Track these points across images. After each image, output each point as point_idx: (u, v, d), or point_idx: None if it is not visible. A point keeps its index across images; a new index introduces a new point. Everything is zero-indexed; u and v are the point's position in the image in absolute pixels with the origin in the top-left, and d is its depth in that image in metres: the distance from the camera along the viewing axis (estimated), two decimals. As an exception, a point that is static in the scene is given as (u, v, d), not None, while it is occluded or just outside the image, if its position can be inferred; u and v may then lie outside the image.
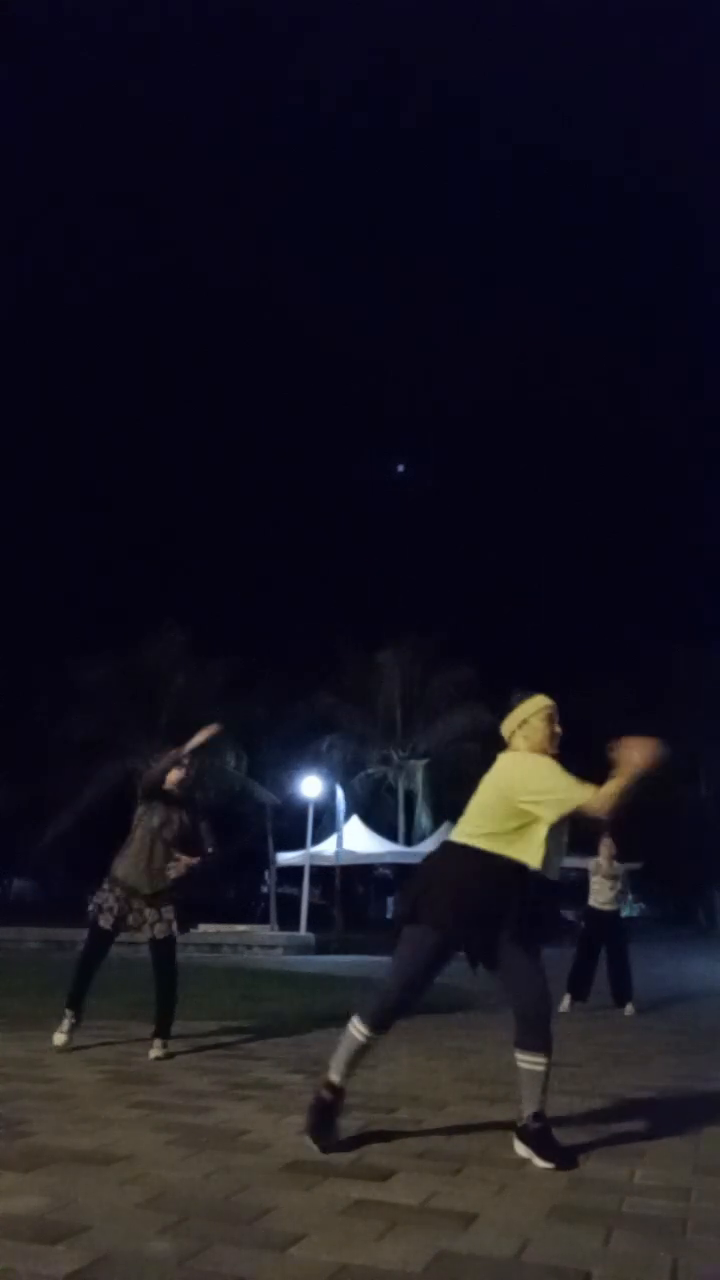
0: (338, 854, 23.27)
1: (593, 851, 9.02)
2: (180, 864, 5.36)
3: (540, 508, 53.50)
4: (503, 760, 3.44)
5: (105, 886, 5.35)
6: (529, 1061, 3.24)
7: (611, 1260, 2.33)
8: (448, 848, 3.41)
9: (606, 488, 55.73)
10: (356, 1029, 3.30)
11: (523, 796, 3.26)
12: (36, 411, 51.32)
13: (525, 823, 3.25)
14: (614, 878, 8.76)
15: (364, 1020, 3.31)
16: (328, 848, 23.81)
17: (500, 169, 68.24)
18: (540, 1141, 3.18)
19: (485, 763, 3.54)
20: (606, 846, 8.88)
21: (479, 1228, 2.54)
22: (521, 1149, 3.22)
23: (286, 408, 61.72)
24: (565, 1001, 8.20)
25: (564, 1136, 3.47)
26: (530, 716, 3.47)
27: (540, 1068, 3.23)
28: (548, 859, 3.26)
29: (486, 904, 3.23)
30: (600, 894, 8.73)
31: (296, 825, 24.05)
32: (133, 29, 65.75)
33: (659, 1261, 2.33)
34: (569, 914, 21.92)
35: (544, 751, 3.41)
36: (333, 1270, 2.23)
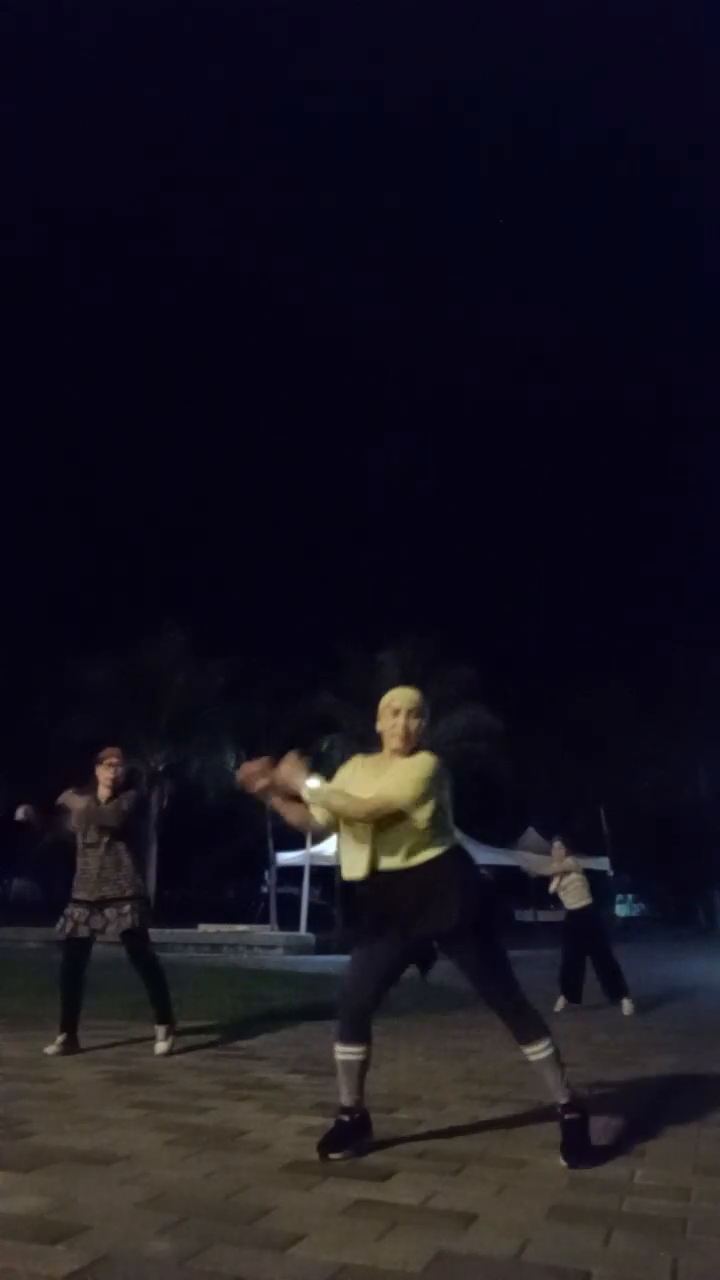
0: (338, 854, 23.26)
1: (587, 853, 9.02)
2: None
3: (540, 508, 53.54)
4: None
5: (67, 909, 5.41)
6: (534, 1051, 3.23)
7: (611, 1260, 2.33)
8: (462, 850, 3.46)
9: (606, 488, 55.80)
10: (338, 1051, 3.31)
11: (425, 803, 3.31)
12: (36, 411, 51.33)
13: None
14: (566, 871, 8.75)
15: (339, 1039, 3.31)
16: (328, 847, 23.77)
17: (501, 169, 68.24)
18: (568, 1136, 3.17)
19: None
20: (559, 850, 8.94)
21: (479, 1228, 2.54)
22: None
23: (287, 408, 61.76)
24: (560, 1002, 8.23)
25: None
26: (380, 712, 3.42)
27: (547, 1052, 3.21)
28: (341, 858, 3.34)
29: (369, 908, 3.30)
30: (570, 895, 8.74)
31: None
32: (133, 29, 65.73)
33: (659, 1261, 2.33)
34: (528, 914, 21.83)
35: (387, 748, 3.39)
36: (333, 1270, 2.23)
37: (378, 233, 71.10)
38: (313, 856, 22.61)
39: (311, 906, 22.07)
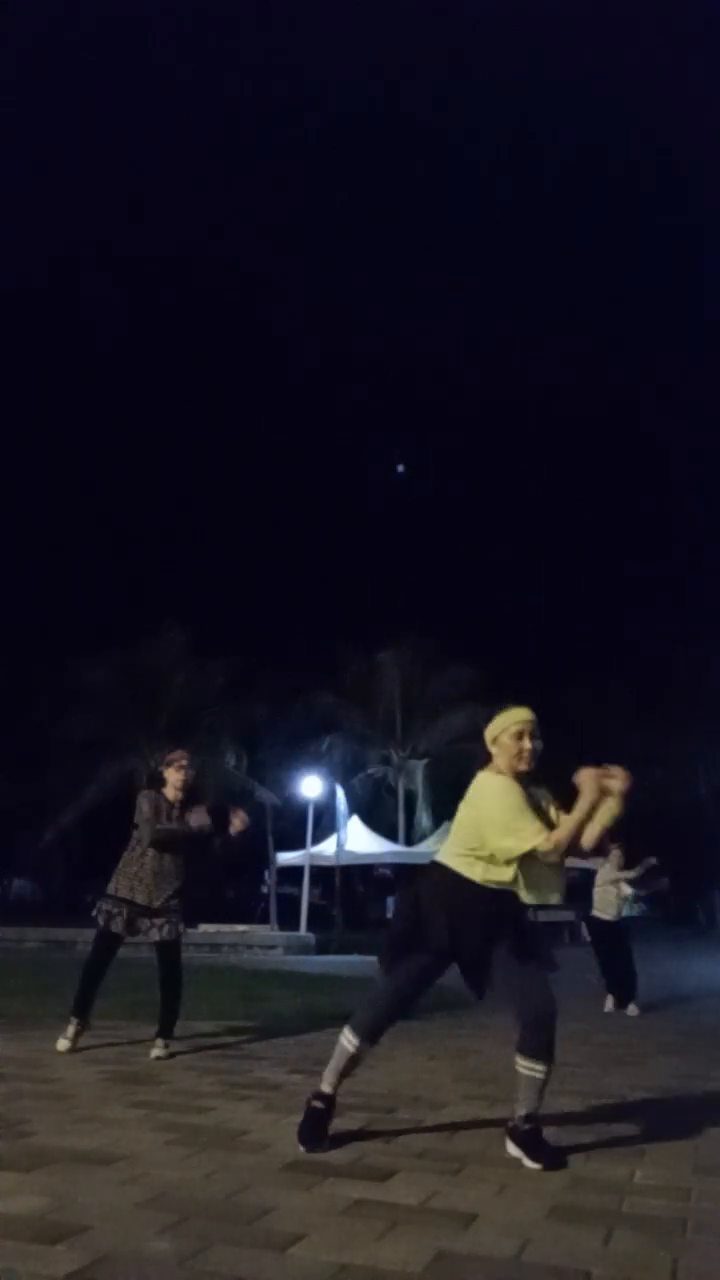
0: (338, 854, 23.26)
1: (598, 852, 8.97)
2: (236, 823, 5.40)
3: (540, 508, 53.56)
4: (476, 782, 3.36)
5: (109, 904, 5.31)
6: (529, 1068, 3.24)
7: (611, 1260, 2.33)
8: (435, 867, 3.40)
9: (606, 488, 55.78)
10: (348, 1040, 3.36)
11: (483, 829, 3.22)
12: (37, 411, 51.35)
13: (492, 851, 3.22)
14: (619, 885, 8.70)
15: (355, 1031, 3.36)
16: (328, 848, 23.80)
17: (502, 169, 68.26)
18: (530, 1142, 3.18)
19: (486, 763, 3.50)
20: (615, 857, 8.86)
21: (479, 1228, 2.54)
22: (513, 1149, 3.23)
23: (287, 408, 61.74)
24: (609, 1003, 8.28)
25: (564, 1136, 3.48)
26: (500, 734, 3.35)
27: (540, 1075, 3.23)
28: (526, 883, 3.20)
29: (475, 925, 3.23)
30: (604, 903, 8.71)
31: (296, 825, 24.03)
32: (131, 31, 65.77)
33: (659, 1261, 2.33)
34: (569, 913, 21.96)
35: (513, 770, 3.30)
36: (333, 1270, 2.23)
37: (378, 232, 71.18)
38: (313, 857, 22.61)
39: (311, 906, 22.05)
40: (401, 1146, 3.35)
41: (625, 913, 8.81)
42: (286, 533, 52.39)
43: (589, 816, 3.16)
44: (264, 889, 34.34)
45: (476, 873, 3.24)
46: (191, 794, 5.47)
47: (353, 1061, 3.38)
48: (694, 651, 33.89)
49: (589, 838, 3.20)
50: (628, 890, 8.70)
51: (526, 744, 3.30)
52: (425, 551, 52.63)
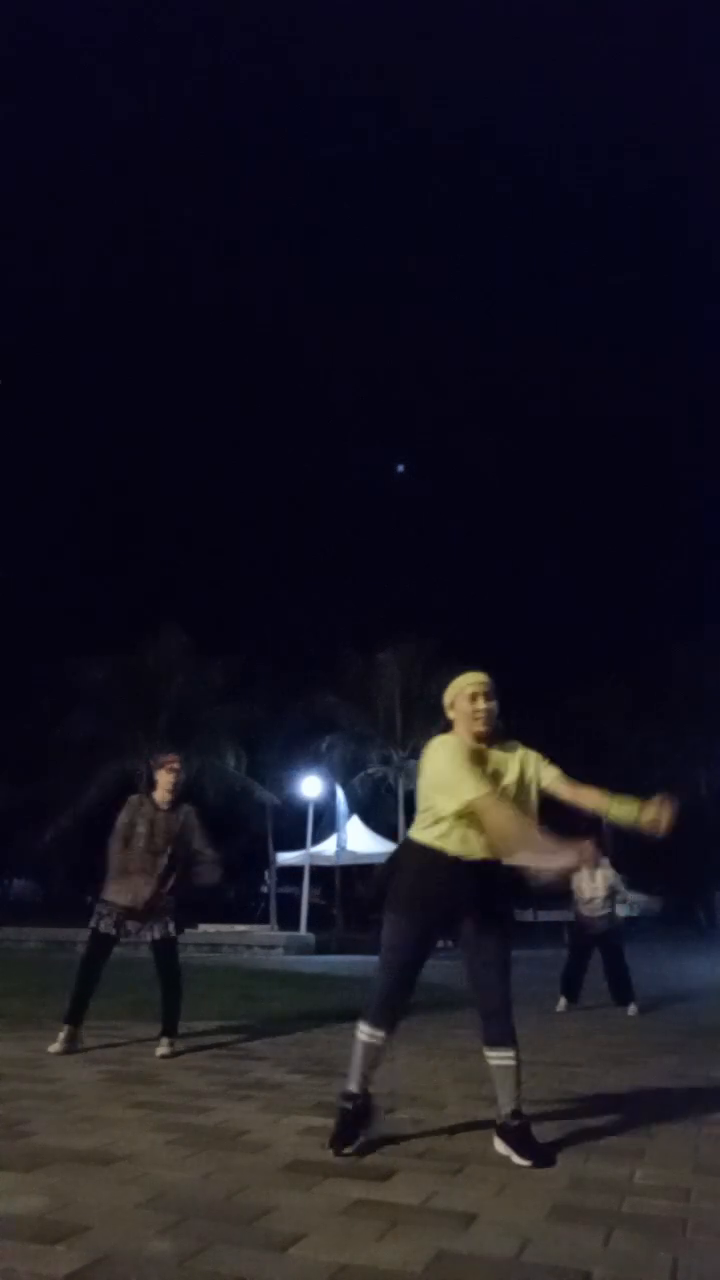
0: (338, 854, 23.26)
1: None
2: (201, 874, 5.44)
3: (540, 508, 53.53)
4: (427, 747, 3.40)
5: (102, 906, 5.35)
6: (498, 1057, 3.26)
7: (611, 1260, 2.33)
8: (406, 841, 3.45)
9: (606, 488, 55.78)
10: (364, 1032, 3.36)
11: (429, 792, 3.27)
12: (37, 412, 51.33)
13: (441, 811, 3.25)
14: (599, 884, 8.73)
15: (369, 1021, 3.36)
16: (328, 848, 23.80)
17: (498, 170, 68.24)
18: (519, 1139, 3.19)
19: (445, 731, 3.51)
20: (605, 864, 8.91)
21: (479, 1228, 2.54)
22: (501, 1147, 3.23)
23: (286, 408, 61.73)
24: (561, 1003, 8.28)
25: (564, 1136, 3.48)
26: (455, 698, 3.40)
27: (510, 1062, 3.24)
28: (458, 841, 3.22)
29: (435, 891, 3.26)
30: (588, 900, 8.72)
31: (296, 825, 24.03)
32: (130, 38, 65.76)
33: (659, 1261, 2.33)
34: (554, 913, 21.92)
35: (471, 732, 3.33)
36: (333, 1270, 2.23)
37: (378, 237, 71.18)
38: (313, 857, 22.61)
39: (311, 906, 22.05)
40: (401, 1146, 3.35)
41: (622, 913, 8.82)
42: (287, 533, 52.42)
43: (591, 805, 3.21)
44: (264, 889, 34.36)
45: (430, 837, 3.27)
46: (184, 796, 5.49)
47: (370, 1053, 3.35)
48: (694, 651, 33.89)
49: (587, 800, 3.25)
50: (609, 878, 8.73)
51: (481, 704, 3.34)
52: (425, 552, 52.66)
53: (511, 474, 57.17)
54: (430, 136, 66.50)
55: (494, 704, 3.36)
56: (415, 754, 31.31)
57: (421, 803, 3.34)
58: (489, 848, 3.21)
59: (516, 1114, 3.23)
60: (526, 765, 3.37)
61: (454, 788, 3.17)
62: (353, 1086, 3.34)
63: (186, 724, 28.64)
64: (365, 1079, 3.36)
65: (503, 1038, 3.25)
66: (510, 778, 3.32)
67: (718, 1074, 5.05)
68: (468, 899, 3.26)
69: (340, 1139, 3.24)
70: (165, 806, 5.42)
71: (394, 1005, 3.39)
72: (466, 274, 66.55)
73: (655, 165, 61.48)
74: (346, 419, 59.19)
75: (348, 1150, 3.20)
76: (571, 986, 8.45)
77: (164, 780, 5.44)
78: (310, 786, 23.05)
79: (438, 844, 3.26)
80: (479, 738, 3.33)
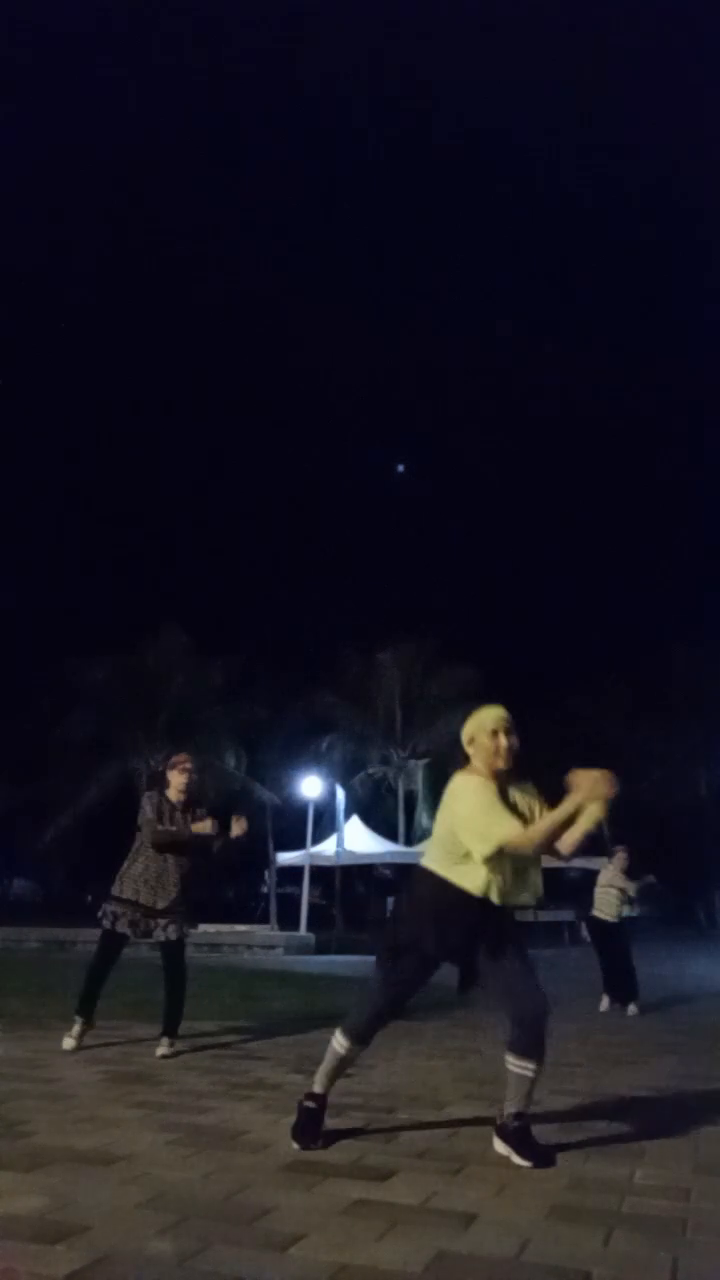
0: (338, 854, 23.25)
1: (597, 854, 9.00)
2: (235, 829, 5.42)
3: (540, 508, 53.52)
4: (451, 785, 3.36)
5: (113, 906, 5.35)
6: (519, 1066, 3.24)
7: (611, 1260, 2.33)
8: (420, 871, 3.40)
9: (606, 488, 55.78)
10: (338, 1043, 3.39)
11: (457, 830, 3.22)
12: (36, 412, 51.34)
13: (468, 851, 3.21)
14: (621, 890, 8.71)
15: (346, 1034, 3.39)
16: (328, 848, 23.78)
17: (498, 170, 68.23)
18: (519, 1140, 3.19)
19: (462, 766, 3.49)
20: (619, 860, 8.87)
21: (479, 1228, 2.54)
22: (500, 1147, 3.24)
23: (287, 408, 61.75)
24: (604, 1002, 8.32)
25: (564, 1136, 3.48)
26: (476, 733, 3.34)
27: (530, 1074, 3.23)
28: (492, 887, 3.19)
29: (459, 927, 3.23)
30: (605, 904, 8.73)
31: (296, 825, 24.02)
32: (131, 37, 65.77)
33: (659, 1261, 2.33)
34: (568, 913, 21.94)
35: (492, 769, 3.29)
36: (333, 1270, 2.23)
37: (379, 237, 71.20)
38: (313, 857, 22.60)
39: (311, 906, 22.04)
40: (401, 1146, 3.35)
41: (626, 913, 8.82)
42: (286, 533, 52.46)
43: (571, 819, 3.14)
44: (264, 889, 34.36)
45: (456, 875, 3.24)
46: (193, 796, 5.49)
47: (343, 1063, 3.41)
48: (694, 651, 33.88)
49: (568, 842, 3.19)
50: (632, 885, 8.74)
51: (503, 741, 3.30)
52: (425, 552, 52.70)
53: (511, 474, 57.17)
54: (430, 136, 66.52)
55: (516, 740, 3.33)
56: (415, 754, 31.36)
57: (444, 839, 3.29)
58: (508, 894, 3.21)
59: (519, 1115, 3.23)
60: (534, 805, 3.34)
61: (486, 831, 3.13)
62: (318, 1088, 3.41)
63: (186, 724, 28.65)
64: (330, 1084, 3.42)
65: (530, 1049, 3.22)
66: (523, 816, 3.30)
67: (718, 1074, 5.05)
68: (484, 939, 3.24)
69: (306, 1134, 3.30)
70: (177, 807, 5.43)
71: (379, 1027, 3.43)
72: (467, 274, 66.58)
73: (656, 165, 61.47)
74: (346, 419, 59.19)
75: (313, 1145, 3.26)
76: (622, 985, 8.40)
77: (176, 780, 5.46)
78: (310, 786, 23.04)
79: (462, 884, 3.22)
80: (500, 775, 3.30)
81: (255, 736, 30.75)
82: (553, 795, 3.31)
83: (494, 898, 3.20)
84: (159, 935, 5.30)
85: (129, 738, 28.56)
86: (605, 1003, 8.33)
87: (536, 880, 3.29)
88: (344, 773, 29.56)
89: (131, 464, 51.89)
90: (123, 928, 5.30)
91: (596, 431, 53.66)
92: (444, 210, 69.44)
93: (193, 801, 5.49)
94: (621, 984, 8.36)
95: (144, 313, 58.77)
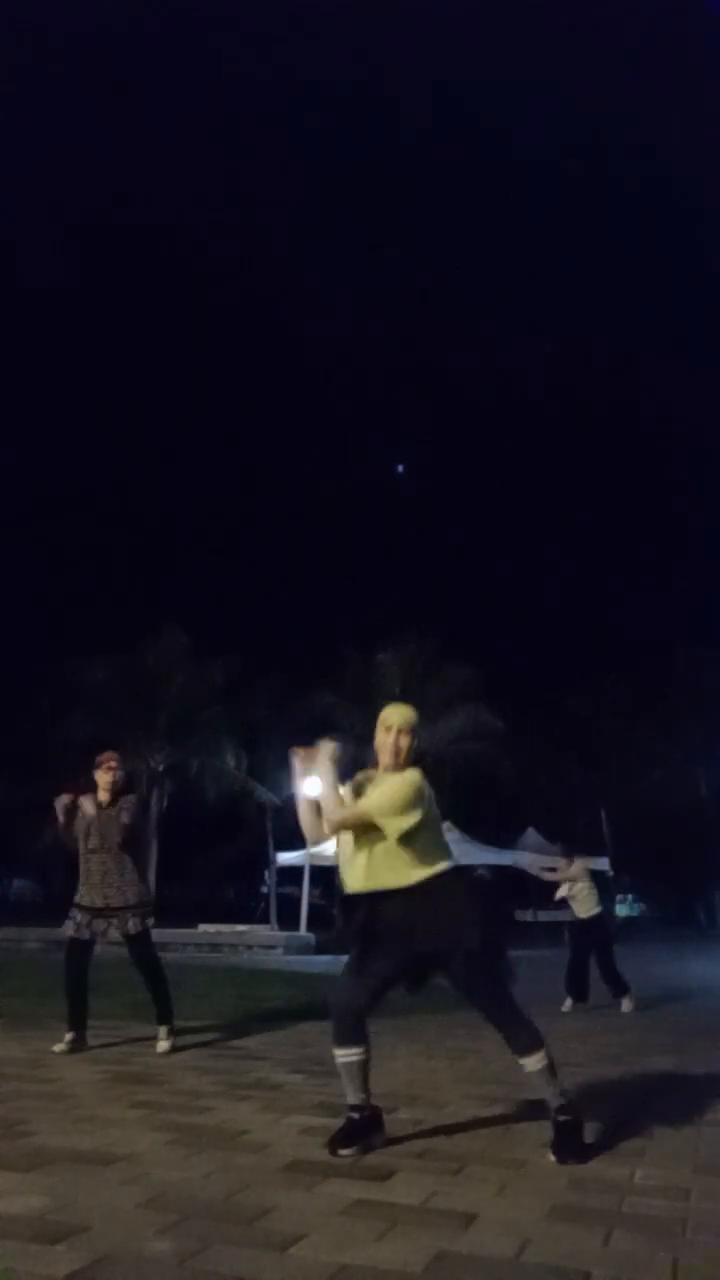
0: (338, 854, 23.25)
1: (595, 852, 9.07)
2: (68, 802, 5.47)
3: (540, 508, 53.52)
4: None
5: (72, 914, 5.43)
6: (529, 1062, 3.25)
7: (611, 1260, 2.33)
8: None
9: (606, 488, 55.78)
10: (336, 1054, 3.38)
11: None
12: (37, 412, 51.33)
13: None
14: (574, 880, 8.80)
15: (335, 1043, 3.38)
16: (328, 848, 23.75)
17: (498, 171, 68.22)
18: (562, 1136, 3.19)
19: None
20: (562, 860, 9.05)
21: (479, 1228, 2.54)
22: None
23: (287, 408, 61.73)
24: (567, 1003, 8.30)
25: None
26: (376, 727, 3.52)
27: (541, 1063, 3.23)
28: (345, 872, 3.42)
29: (359, 922, 3.37)
30: (580, 904, 8.80)
31: (296, 825, 23.90)
32: (131, 37, 65.76)
33: (659, 1261, 2.33)
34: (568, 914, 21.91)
35: (380, 763, 3.49)
36: (333, 1270, 2.23)
37: (379, 237, 71.18)
38: (313, 856, 22.58)
39: (311, 906, 22.05)
40: (401, 1146, 3.35)
41: (626, 912, 8.86)
42: (286, 533, 52.46)
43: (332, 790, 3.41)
44: (264, 889, 34.35)
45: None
46: (121, 793, 5.54)
47: (349, 1070, 3.34)
48: (694, 651, 33.90)
49: (326, 810, 3.47)
50: (577, 866, 8.86)
51: (384, 737, 3.48)
52: (425, 552, 52.70)
53: (512, 474, 57.18)
54: (431, 137, 66.52)
55: (403, 740, 3.47)
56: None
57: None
58: (360, 878, 3.36)
59: (563, 1109, 3.22)
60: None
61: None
62: (353, 1099, 3.34)
63: (186, 724, 28.65)
64: (361, 1091, 3.35)
65: (523, 1043, 3.24)
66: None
67: (718, 1074, 5.05)
68: (370, 925, 3.33)
69: (340, 1142, 3.24)
70: (104, 805, 5.46)
71: (353, 1022, 3.37)
72: (467, 274, 66.53)
73: (656, 165, 61.46)
74: (347, 419, 59.18)
75: (344, 1152, 3.20)
76: (576, 986, 8.48)
77: (101, 780, 5.54)
78: (310, 786, 23.03)
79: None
80: (387, 767, 3.47)
81: (255, 736, 30.72)
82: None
83: (347, 883, 3.40)
84: (113, 934, 5.36)
85: (129, 738, 28.54)
86: (567, 1004, 8.33)
87: (400, 861, 3.29)
88: (344, 773, 29.54)
89: (132, 464, 51.92)
90: (82, 934, 5.36)
91: (597, 431, 53.68)
92: (445, 210, 69.44)
93: (117, 796, 5.52)
94: (609, 979, 8.38)
95: (145, 313, 58.79)
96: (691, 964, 15.85)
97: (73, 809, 5.47)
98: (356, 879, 3.36)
